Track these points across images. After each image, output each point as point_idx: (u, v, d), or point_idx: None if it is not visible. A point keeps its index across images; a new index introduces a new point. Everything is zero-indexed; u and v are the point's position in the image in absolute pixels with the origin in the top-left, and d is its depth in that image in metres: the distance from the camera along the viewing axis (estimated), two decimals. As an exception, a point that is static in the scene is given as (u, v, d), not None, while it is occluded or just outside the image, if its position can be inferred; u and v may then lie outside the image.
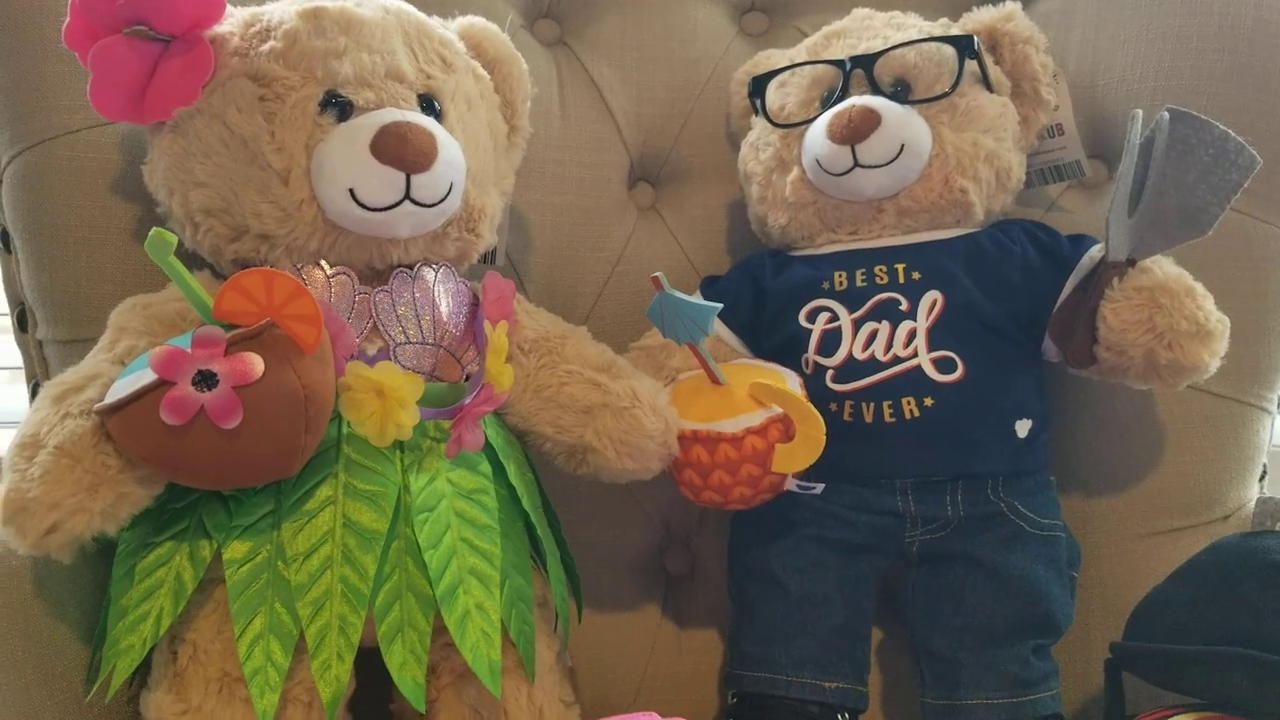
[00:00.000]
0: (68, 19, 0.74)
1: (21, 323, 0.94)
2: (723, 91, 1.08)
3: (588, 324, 0.99)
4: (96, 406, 0.66)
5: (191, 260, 0.81)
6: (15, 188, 0.89)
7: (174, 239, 0.63)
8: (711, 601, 1.07)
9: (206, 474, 0.67)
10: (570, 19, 1.14)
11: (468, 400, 0.76)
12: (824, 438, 0.82)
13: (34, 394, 0.95)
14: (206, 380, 0.63)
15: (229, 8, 0.77)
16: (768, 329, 0.96)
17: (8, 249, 0.93)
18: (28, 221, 0.88)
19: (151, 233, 0.63)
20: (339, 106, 0.74)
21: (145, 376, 0.64)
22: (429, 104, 0.78)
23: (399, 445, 0.74)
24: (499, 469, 0.80)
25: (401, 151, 0.72)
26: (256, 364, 0.64)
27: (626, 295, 1.07)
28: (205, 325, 0.65)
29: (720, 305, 0.83)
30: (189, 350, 0.63)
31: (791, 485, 0.86)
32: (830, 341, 0.90)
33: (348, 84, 0.75)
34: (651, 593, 1.10)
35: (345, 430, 0.73)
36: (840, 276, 0.92)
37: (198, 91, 0.75)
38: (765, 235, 1.01)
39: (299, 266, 0.77)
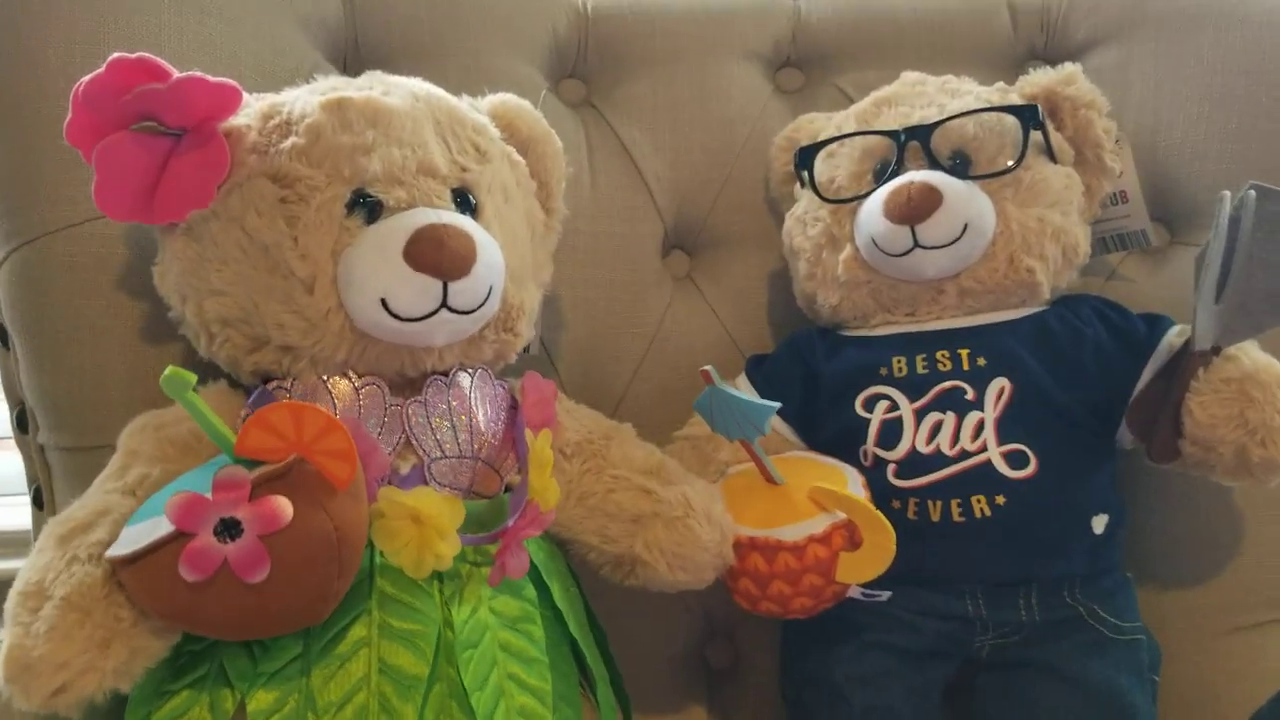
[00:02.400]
0: (69, 115, 0.68)
1: (21, 424, 0.88)
2: (760, 154, 1.04)
3: (623, 405, 0.98)
4: (109, 554, 0.60)
5: (206, 369, 0.75)
6: (13, 285, 0.82)
7: (192, 378, 0.57)
8: (759, 699, 1.01)
9: (229, 628, 0.61)
10: (597, 79, 1.08)
11: (511, 522, 0.70)
12: (894, 547, 0.76)
13: (36, 500, 0.89)
14: (229, 529, 0.57)
15: (245, 97, 0.71)
16: (821, 417, 0.90)
17: (6, 346, 0.86)
18: (27, 321, 0.82)
19: (167, 372, 0.57)
20: (368, 207, 0.69)
21: (162, 525, 0.58)
22: (463, 199, 0.73)
23: (437, 575, 0.68)
24: (542, 589, 0.74)
25: (438, 258, 0.66)
26: (285, 508, 0.58)
27: (664, 374, 1.02)
28: (227, 466, 0.58)
29: (778, 405, 0.76)
30: (210, 496, 0.57)
31: (856, 593, 0.80)
32: (891, 433, 0.85)
33: (377, 182, 0.69)
34: (693, 690, 1.04)
35: (378, 560, 0.67)
36: (899, 362, 0.86)
37: (213, 192, 0.69)
38: (813, 313, 0.95)
39: (324, 378, 0.71)
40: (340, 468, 0.60)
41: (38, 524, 0.91)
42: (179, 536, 0.57)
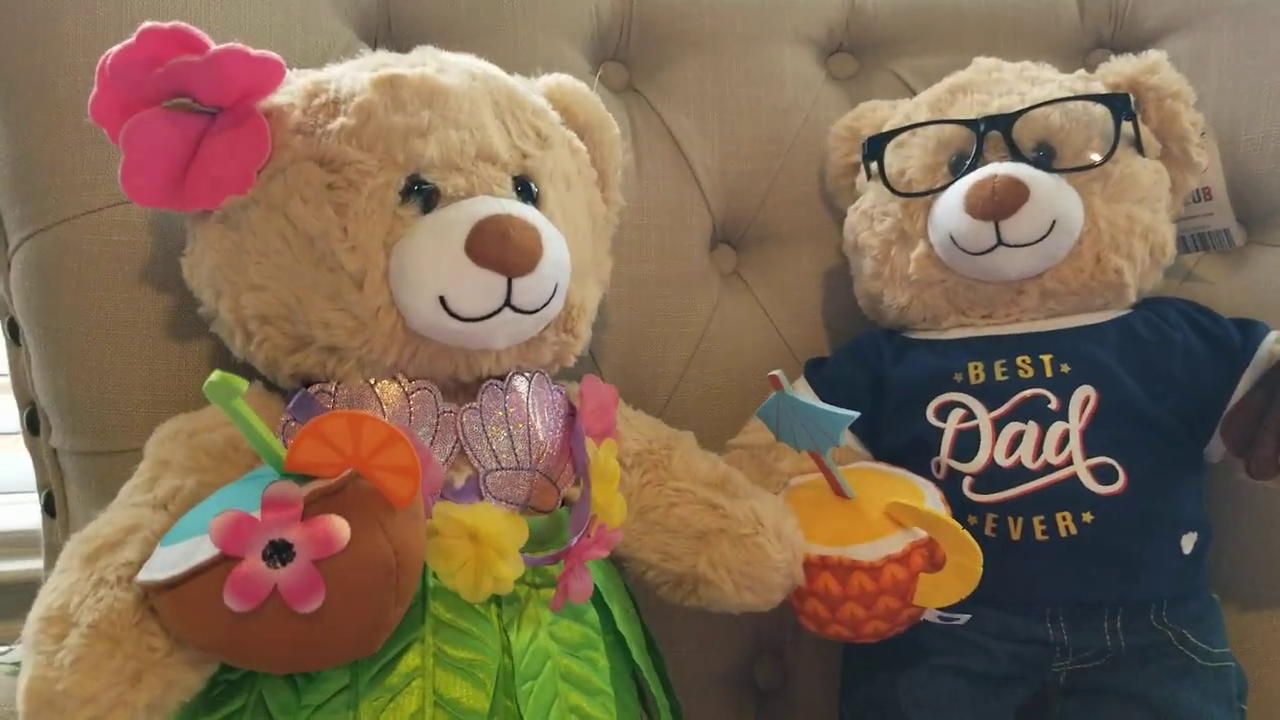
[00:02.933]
0: (95, 89, 0.62)
1: (32, 425, 0.82)
2: (813, 144, 1.00)
3: (667, 410, 0.93)
4: (142, 578, 0.54)
5: (241, 370, 0.68)
6: (26, 275, 0.76)
7: (243, 384, 0.51)
8: (811, 720, 0.95)
9: (274, 660, 0.55)
10: (640, 63, 1.02)
11: (574, 541, 0.64)
12: (980, 569, 0.70)
13: (47, 506, 0.83)
14: (280, 552, 0.52)
15: (287, 73, 0.65)
16: (889, 426, 0.84)
17: (17, 342, 0.81)
18: (40, 315, 0.76)
19: (214, 377, 0.51)
20: (423, 195, 0.64)
21: (204, 547, 0.52)
22: (524, 187, 0.68)
23: (495, 599, 0.63)
24: (604, 611, 0.69)
25: (503, 252, 0.61)
26: (341, 530, 0.52)
27: (711, 377, 0.97)
28: (277, 482, 0.52)
29: (855, 415, 0.70)
30: (258, 516, 0.51)
31: (932, 616, 0.75)
32: (966, 444, 0.80)
33: (433, 168, 0.64)
34: (741, 711, 0.99)
35: (432, 583, 0.61)
36: (975, 368, 0.81)
37: (252, 177, 0.63)
38: (876, 314, 0.90)
39: (371, 382, 0.66)
40: (401, 484, 0.54)
41: (49, 531, 0.85)
42: (223, 560, 0.52)
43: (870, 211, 0.87)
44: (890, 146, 0.86)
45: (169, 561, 0.54)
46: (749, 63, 1.01)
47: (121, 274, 0.76)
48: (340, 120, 0.64)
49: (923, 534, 0.72)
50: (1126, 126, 0.81)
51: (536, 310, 0.64)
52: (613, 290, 0.90)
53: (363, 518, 0.53)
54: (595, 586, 0.67)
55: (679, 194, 0.98)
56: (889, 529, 0.73)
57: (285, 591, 0.51)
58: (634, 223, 0.94)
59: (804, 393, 0.87)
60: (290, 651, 0.54)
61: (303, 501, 0.52)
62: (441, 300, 0.62)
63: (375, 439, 0.53)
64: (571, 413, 0.72)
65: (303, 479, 0.54)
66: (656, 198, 0.97)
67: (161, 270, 0.75)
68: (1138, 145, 0.82)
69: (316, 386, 0.66)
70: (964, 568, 0.71)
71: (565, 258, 0.66)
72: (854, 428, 0.84)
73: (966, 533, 0.71)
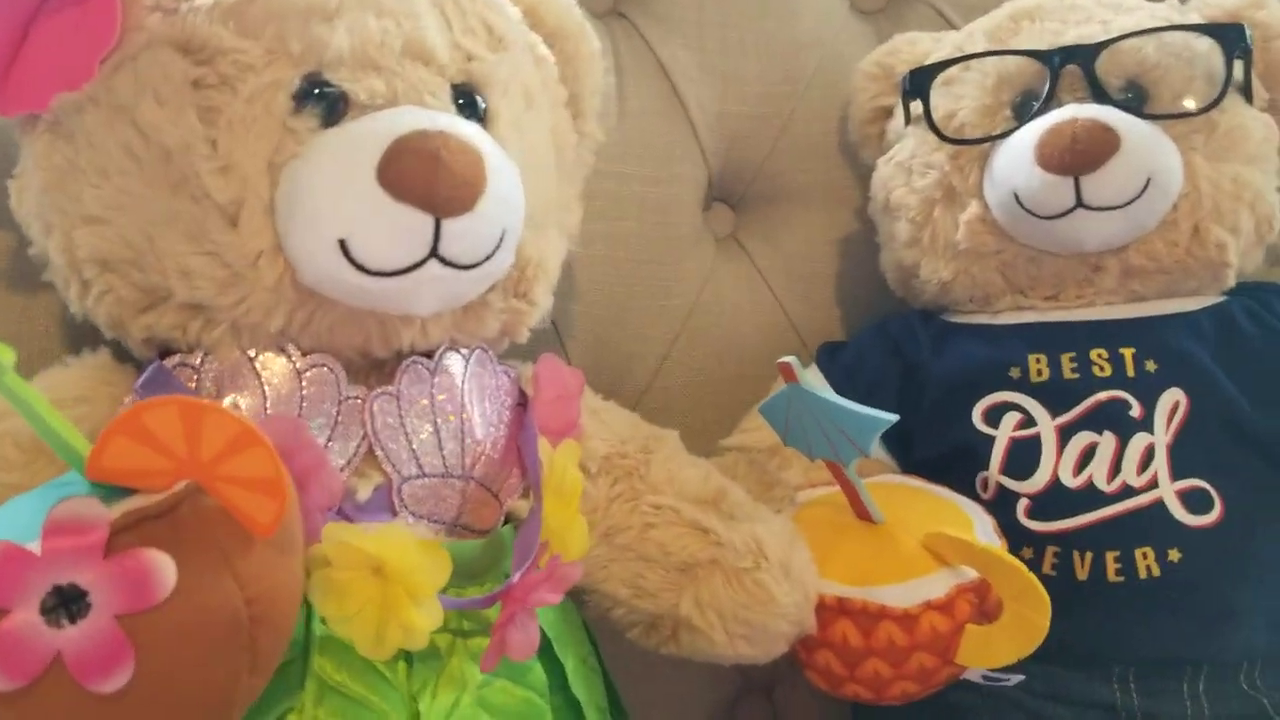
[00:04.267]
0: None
1: None
2: (833, 85, 0.87)
3: (646, 399, 0.84)
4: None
5: (84, 334, 0.55)
6: None
7: (8, 356, 0.36)
8: (804, 775, 0.84)
9: (68, 754, 0.38)
10: (629, -19, 0.89)
11: (516, 577, 0.49)
12: (1047, 622, 0.56)
13: None
14: (68, 603, 0.36)
15: (149, -62, 0.51)
16: (924, 431, 0.71)
17: None
18: None
19: (-31, 343, 0.34)
20: (326, 101, 0.50)
21: (-43, 592, 0.35)
22: (468, 99, 0.54)
23: (404, 654, 0.48)
24: (553, 667, 0.54)
25: (431, 181, 0.46)
26: (162, 571, 0.36)
27: (700, 359, 0.84)
28: (74, 498, 0.36)
29: (894, 418, 0.56)
30: (36, 549, 0.35)
31: (975, 676, 0.62)
32: (1024, 457, 0.67)
33: (341, 65, 0.50)
34: (725, 759, 0.86)
35: (318, 630, 0.47)
36: (1038, 362, 0.68)
37: (93, 68, 0.49)
38: (908, 290, 0.76)
39: (251, 354, 0.51)
40: (260, 505, 0.38)
41: None
42: (-15, 612, 0.35)
43: (908, 163, 0.73)
44: (937, 83, 0.72)
45: (-83, 606, 0.37)
46: (759, -13, 0.89)
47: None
48: None
49: (972, 574, 0.59)
50: (1237, 67, 0.67)
51: (475, 265, 0.50)
52: (583, 250, 0.79)
53: (201, 552, 0.37)
54: (544, 635, 0.53)
55: (668, 139, 0.85)
56: (928, 566, 0.59)
57: (73, 661, 0.35)
58: (612, 171, 0.81)
59: (820, 385, 0.71)
60: (84, 742, 0.37)
61: (108, 526, 0.36)
62: (343, 245, 0.47)
63: (221, 438, 0.38)
64: (522, 403, 0.58)
65: (117, 493, 0.38)
66: (641, 142, 0.84)
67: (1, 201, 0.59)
68: (1246, 92, 0.69)
69: (177, 358, 0.52)
70: (1025, 620, 0.57)
71: (517, 195, 0.52)
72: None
73: (1032, 575, 0.57)
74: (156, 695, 0.37)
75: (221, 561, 0.38)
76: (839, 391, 0.72)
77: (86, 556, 0.36)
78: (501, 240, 0.51)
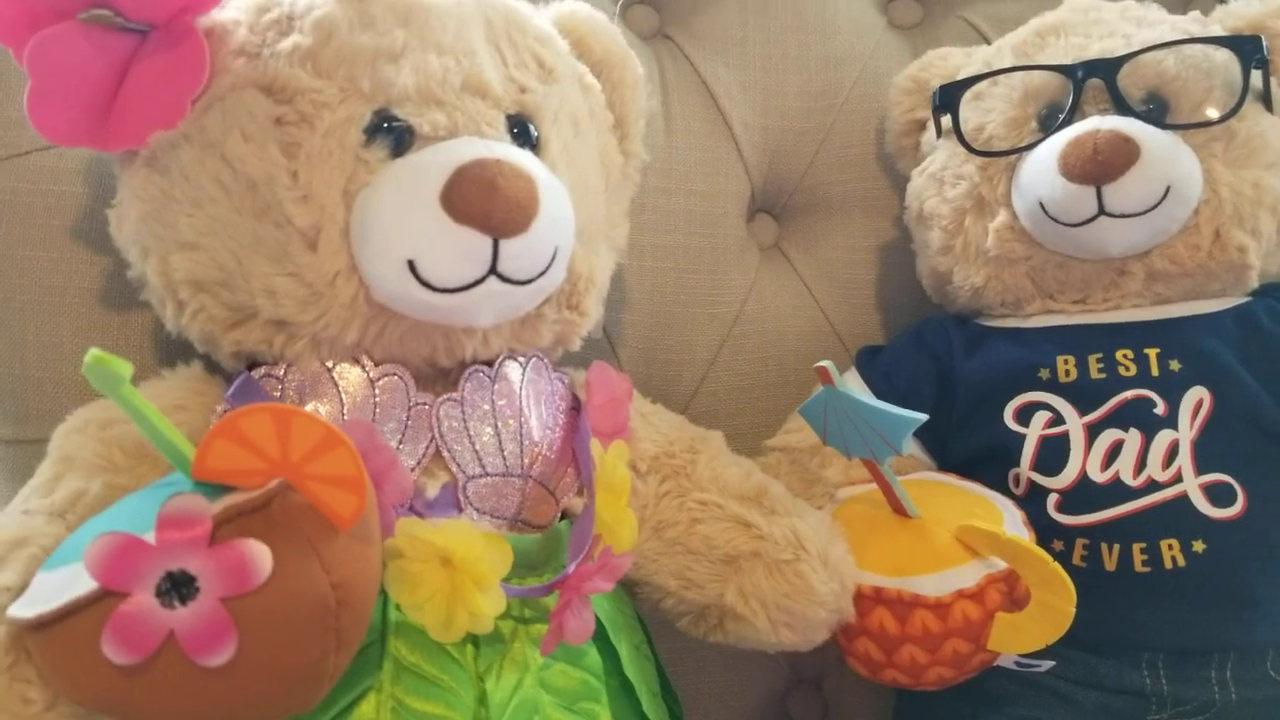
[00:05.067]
0: (-4, -2, 0.51)
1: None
2: (871, 99, 0.89)
3: (694, 403, 0.84)
4: (12, 613, 0.43)
5: (176, 348, 0.58)
6: (-67, 231, 0.65)
7: (126, 370, 0.39)
8: (853, 763, 0.85)
9: (177, 722, 0.43)
10: (674, 5, 0.90)
11: (573, 568, 0.52)
12: (1073, 609, 0.58)
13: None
14: (179, 587, 0.40)
15: (233, -14, 0.54)
16: (958, 430, 0.72)
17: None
18: (-46, 277, 0.66)
19: (90, 359, 0.39)
20: (394, 134, 0.53)
21: (82, 579, 0.40)
22: (522, 129, 0.57)
23: (472, 638, 0.51)
24: (608, 651, 0.57)
25: (488, 206, 0.49)
26: (260, 559, 0.40)
27: (746, 364, 0.86)
28: (180, 495, 0.40)
29: (924, 417, 0.58)
30: (151, 538, 0.39)
31: (1008, 662, 0.65)
32: (1053, 454, 0.68)
33: (407, 101, 0.53)
34: (775, 749, 0.87)
35: (394, 617, 0.51)
36: (1066, 363, 0.69)
37: (184, 108, 0.52)
38: (943, 296, 0.78)
39: (330, 365, 0.54)
40: (343, 500, 0.42)
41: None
42: (105, 596, 0.40)
43: (940, 174, 0.75)
44: (967, 97, 0.74)
45: (44, 593, 0.42)
46: (798, 5, 0.90)
47: (50, 230, 0.66)
48: (293, 39, 0.53)
49: (1001, 565, 0.61)
50: (1255, 77, 0.68)
51: (530, 280, 0.53)
52: (634, 263, 0.81)
53: (291, 542, 0.41)
54: (598, 621, 0.56)
55: (713, 154, 0.86)
56: (960, 557, 0.61)
57: (184, 639, 0.40)
58: (660, 186, 0.83)
59: (855, 386, 0.74)
60: (197, 712, 0.42)
61: (211, 520, 0.40)
62: (411, 265, 0.50)
63: (308, 441, 0.42)
64: (576, 407, 0.61)
65: (217, 491, 0.42)
66: (687, 158, 0.85)
67: (98, 227, 0.63)
68: (1266, 100, 0.70)
69: (263, 369, 0.55)
70: (1052, 608, 0.59)
71: (568, 215, 0.55)
72: (917, 431, 0.70)
73: (1057, 565, 0.58)
74: (256, 669, 0.41)
75: (310, 550, 0.41)
76: (877, 393, 0.74)
77: (194, 546, 0.40)
78: (554, 257, 0.54)
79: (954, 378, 0.73)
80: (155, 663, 0.40)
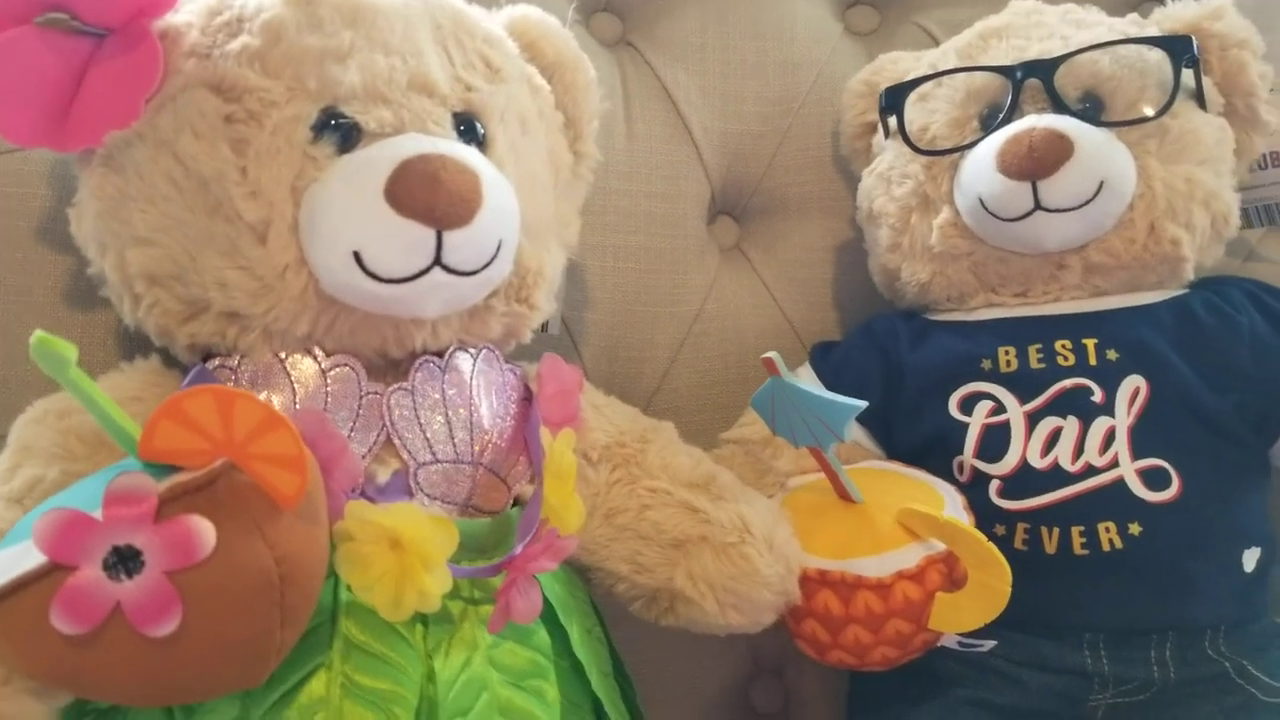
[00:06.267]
0: (-50, 1, 0.53)
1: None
2: (827, 104, 0.91)
3: (657, 400, 0.85)
4: (-36, 589, 0.44)
5: (138, 345, 0.60)
6: (-96, 233, 0.67)
7: (71, 351, 0.41)
8: (814, 750, 0.86)
9: (126, 693, 0.45)
10: (635, 13, 0.93)
11: (520, 549, 0.54)
12: (1009, 589, 0.60)
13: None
14: (125, 561, 0.41)
15: (188, -10, 0.55)
16: (905, 419, 0.74)
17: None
18: (-80, 278, 0.67)
19: (35, 340, 0.40)
20: (341, 131, 0.54)
21: (32, 554, 0.41)
22: (468, 126, 0.59)
23: (420, 617, 0.53)
24: (558, 632, 0.59)
25: (431, 199, 0.51)
26: (204, 533, 0.42)
27: (706, 361, 0.88)
28: (127, 473, 0.42)
29: (863, 405, 0.60)
30: (98, 515, 0.41)
31: (950, 642, 0.66)
32: (995, 441, 0.70)
33: (354, 99, 0.55)
34: (738, 738, 0.88)
35: (344, 597, 0.52)
36: (1007, 354, 0.71)
37: (139, 108, 0.54)
38: (894, 293, 0.80)
39: (282, 356, 0.56)
40: (285, 479, 0.44)
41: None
42: (53, 570, 0.41)
43: (888, 174, 0.77)
44: (912, 99, 0.76)
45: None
46: (756, 13, 0.92)
47: (15, 231, 0.67)
48: (242, 40, 0.54)
49: (941, 547, 0.62)
50: (1187, 75, 0.70)
51: (475, 272, 0.55)
52: (596, 263, 0.83)
53: (235, 519, 0.43)
54: (549, 602, 0.57)
55: (674, 158, 0.88)
56: (901, 540, 0.63)
57: (131, 610, 0.41)
58: (622, 189, 0.85)
59: (807, 380, 0.77)
60: (146, 683, 0.44)
61: (157, 497, 0.42)
62: (357, 256, 0.52)
63: (250, 421, 0.43)
64: (527, 397, 0.62)
65: (164, 471, 0.44)
66: (648, 162, 0.87)
67: (61, 229, 0.65)
68: (1199, 98, 0.72)
69: (217, 361, 0.57)
70: (988, 588, 0.60)
71: (512, 209, 0.56)
72: (866, 422, 0.75)
73: (992, 546, 0.60)
74: (201, 641, 0.42)
75: (253, 527, 0.43)
76: (829, 386, 0.76)
77: (140, 522, 0.41)
78: (499, 250, 0.55)
79: (901, 370, 0.75)
80: (103, 634, 0.41)
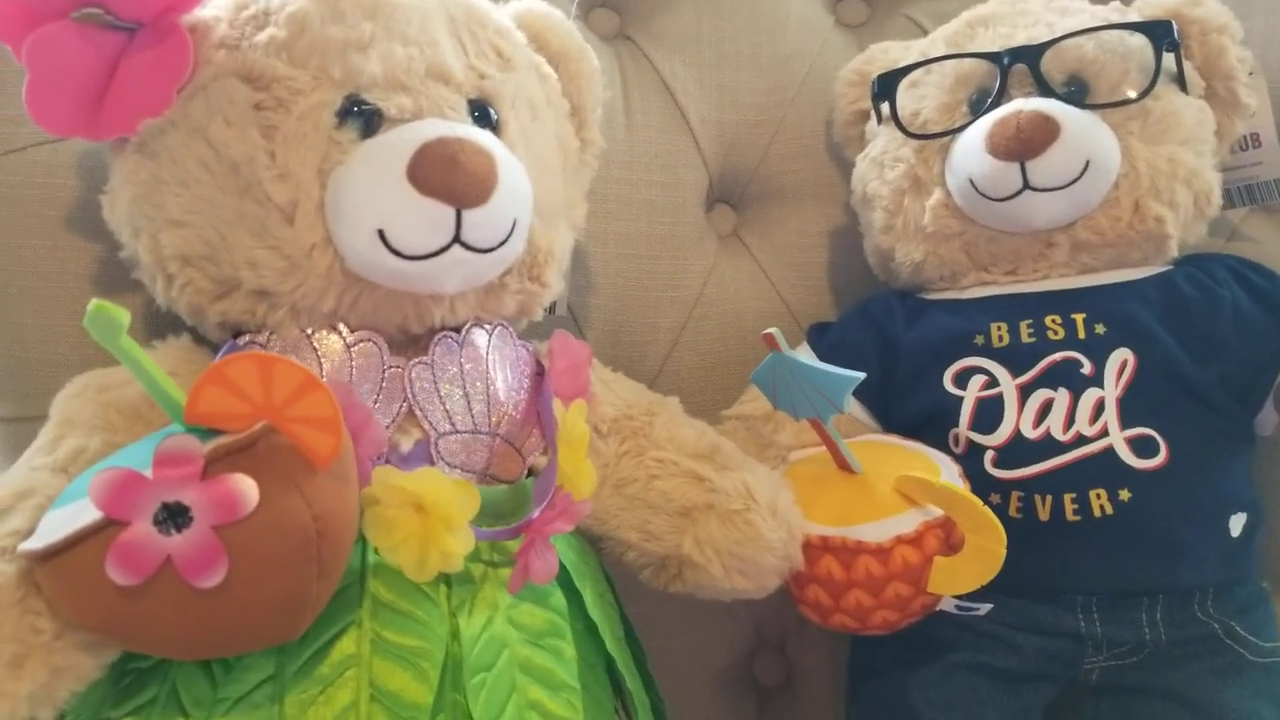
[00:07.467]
0: (-5, -1, 0.55)
1: (-46, 389, 0.74)
2: (820, 94, 0.92)
3: (659, 381, 0.87)
4: (22, 547, 0.47)
5: (166, 321, 0.62)
6: (-62, 222, 0.69)
7: (125, 317, 0.44)
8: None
9: (175, 644, 0.48)
10: (633, 8, 0.95)
11: (536, 514, 0.57)
12: (1004, 551, 0.62)
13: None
14: (175, 517, 0.44)
15: (217, -16, 0.58)
16: (901, 395, 0.77)
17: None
18: (-46, 265, 0.69)
19: (91, 307, 0.43)
20: (363, 117, 0.57)
21: (87, 511, 0.44)
22: (482, 112, 0.61)
23: (444, 578, 0.55)
24: (573, 596, 0.61)
25: (451, 179, 0.54)
26: (248, 491, 0.44)
27: (706, 345, 0.90)
28: (174, 435, 0.44)
29: (861, 376, 0.62)
30: (149, 474, 0.43)
31: (948, 606, 0.67)
32: (989, 414, 0.72)
33: (375, 86, 0.57)
34: (740, 710, 0.92)
35: (371, 559, 0.54)
36: (999, 329, 0.73)
37: (171, 97, 0.56)
38: (887, 273, 0.82)
39: (309, 332, 0.58)
40: (321, 440, 0.46)
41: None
42: (107, 526, 0.44)
43: (880, 158, 0.79)
44: (903, 86, 0.79)
45: (51, 528, 0.46)
46: (750, 7, 0.94)
47: (46, 220, 0.69)
48: (269, 31, 0.57)
49: (938, 512, 0.64)
50: (1168, 59, 0.73)
51: (492, 249, 0.57)
52: (600, 250, 0.85)
53: (275, 478, 0.45)
54: (564, 567, 0.60)
55: (672, 147, 0.90)
56: (899, 506, 0.65)
57: (180, 562, 0.44)
58: (622, 178, 0.88)
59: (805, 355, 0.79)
60: (193, 634, 0.46)
61: (203, 458, 0.44)
62: (381, 234, 0.54)
63: (288, 386, 0.46)
64: (539, 372, 0.65)
65: (209, 435, 0.46)
66: (647, 151, 0.89)
67: (91, 216, 0.68)
68: (1180, 81, 0.74)
69: (246, 337, 0.59)
70: (984, 551, 0.62)
71: (526, 190, 0.59)
72: (864, 398, 0.78)
73: (988, 509, 0.62)
74: (245, 593, 0.45)
75: (292, 485, 0.45)
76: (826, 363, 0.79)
77: (188, 480, 0.44)
78: (514, 228, 0.58)
79: (897, 347, 0.77)
80: (154, 586, 0.44)
